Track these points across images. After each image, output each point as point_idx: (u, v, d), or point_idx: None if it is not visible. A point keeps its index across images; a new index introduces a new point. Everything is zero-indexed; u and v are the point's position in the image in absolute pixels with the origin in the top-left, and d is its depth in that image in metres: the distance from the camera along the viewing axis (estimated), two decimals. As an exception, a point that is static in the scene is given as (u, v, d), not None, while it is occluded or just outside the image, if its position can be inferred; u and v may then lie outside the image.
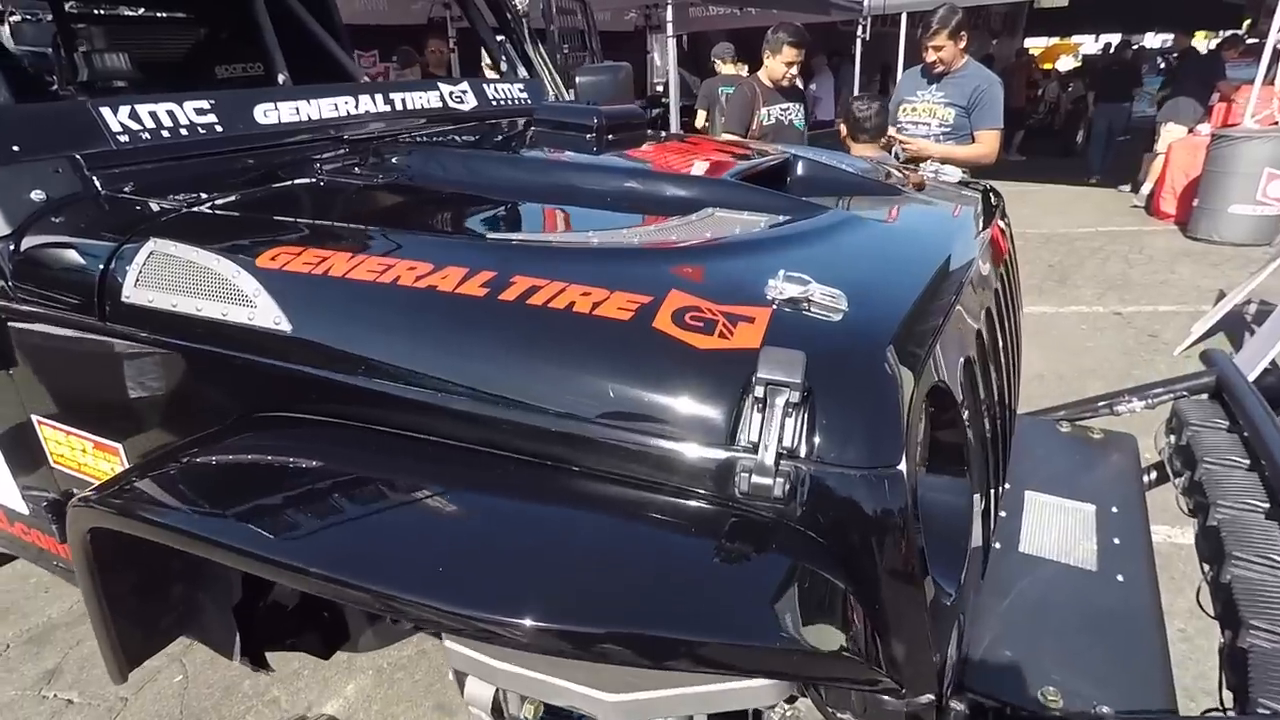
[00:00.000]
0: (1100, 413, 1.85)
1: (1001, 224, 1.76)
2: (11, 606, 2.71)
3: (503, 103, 2.27)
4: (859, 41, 7.02)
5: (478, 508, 0.86)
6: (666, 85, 6.81)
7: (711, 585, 0.75)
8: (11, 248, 1.27)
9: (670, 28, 5.66)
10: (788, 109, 4.00)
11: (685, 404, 0.82)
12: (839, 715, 1.05)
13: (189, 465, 0.94)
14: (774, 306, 0.88)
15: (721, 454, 0.80)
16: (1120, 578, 1.29)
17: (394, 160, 1.54)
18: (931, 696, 0.83)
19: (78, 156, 1.37)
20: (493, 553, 0.82)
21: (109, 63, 2.33)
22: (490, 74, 3.10)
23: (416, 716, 2.18)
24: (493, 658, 1.01)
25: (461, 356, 0.92)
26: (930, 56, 3.54)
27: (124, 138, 1.45)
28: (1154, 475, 1.71)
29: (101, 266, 1.17)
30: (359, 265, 1.02)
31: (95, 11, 2.83)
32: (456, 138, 1.86)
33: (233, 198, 1.36)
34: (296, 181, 1.47)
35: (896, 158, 3.57)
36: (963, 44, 3.51)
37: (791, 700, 1.18)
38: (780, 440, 0.76)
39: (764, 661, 0.74)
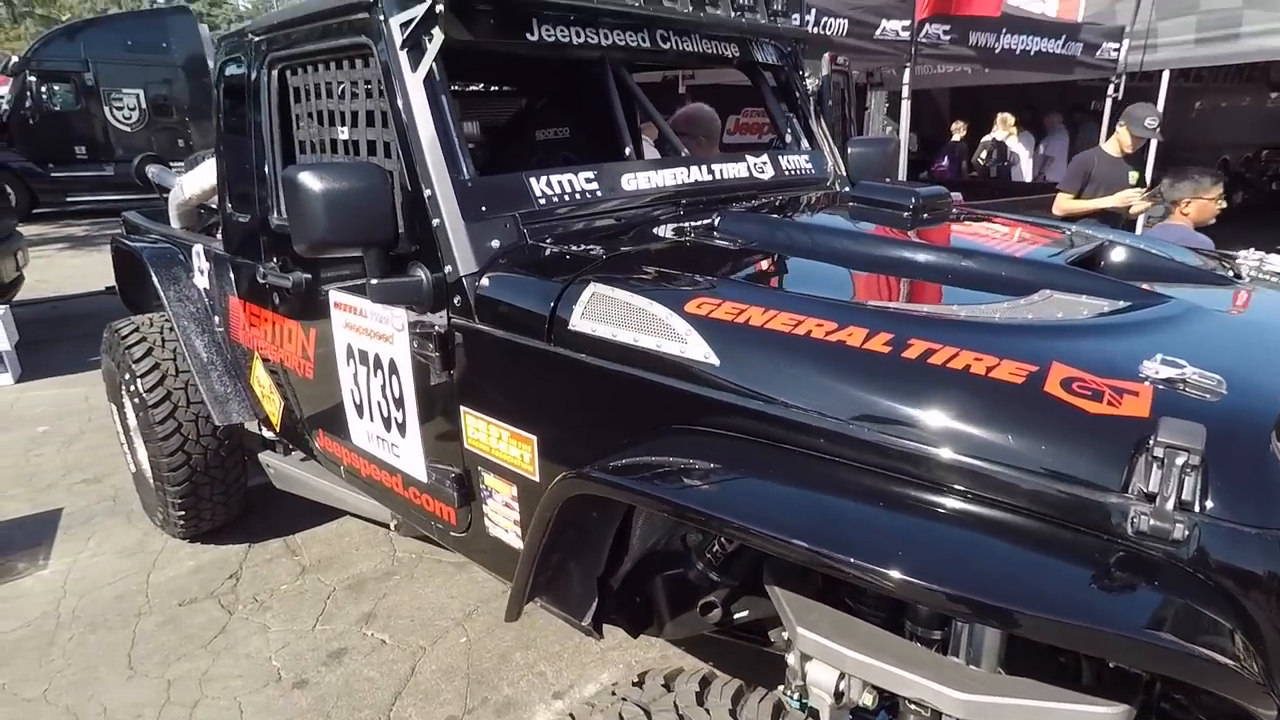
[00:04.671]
0: None
1: None
2: (335, 557, 3.35)
3: (793, 173, 2.57)
4: (1109, 100, 6.69)
5: (879, 505, 1.09)
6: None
7: (1101, 587, 0.91)
8: (478, 282, 1.72)
9: (906, 89, 5.78)
10: None
11: (1077, 455, 1.01)
12: None
13: (650, 459, 1.26)
14: (1151, 385, 1.05)
15: (1113, 499, 0.98)
16: None
17: (741, 227, 1.86)
18: None
19: (516, 215, 1.82)
20: (880, 527, 1.05)
21: (466, 130, 2.93)
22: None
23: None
24: (844, 646, 1.22)
25: (870, 398, 1.16)
26: None
27: (542, 200, 1.89)
28: None
29: (552, 302, 1.57)
30: (772, 318, 1.31)
31: (463, 89, 3.53)
32: (781, 210, 2.17)
33: (629, 249, 1.74)
34: (670, 239, 1.84)
35: None
36: None
37: None
38: (1179, 494, 0.92)
39: (1153, 658, 0.89)
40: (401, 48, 1.82)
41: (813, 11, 5.01)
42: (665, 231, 1.94)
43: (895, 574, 0.94)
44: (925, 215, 1.86)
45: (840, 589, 1.37)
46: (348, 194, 1.64)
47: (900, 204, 1.88)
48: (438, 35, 1.80)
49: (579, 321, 1.52)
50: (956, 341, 1.17)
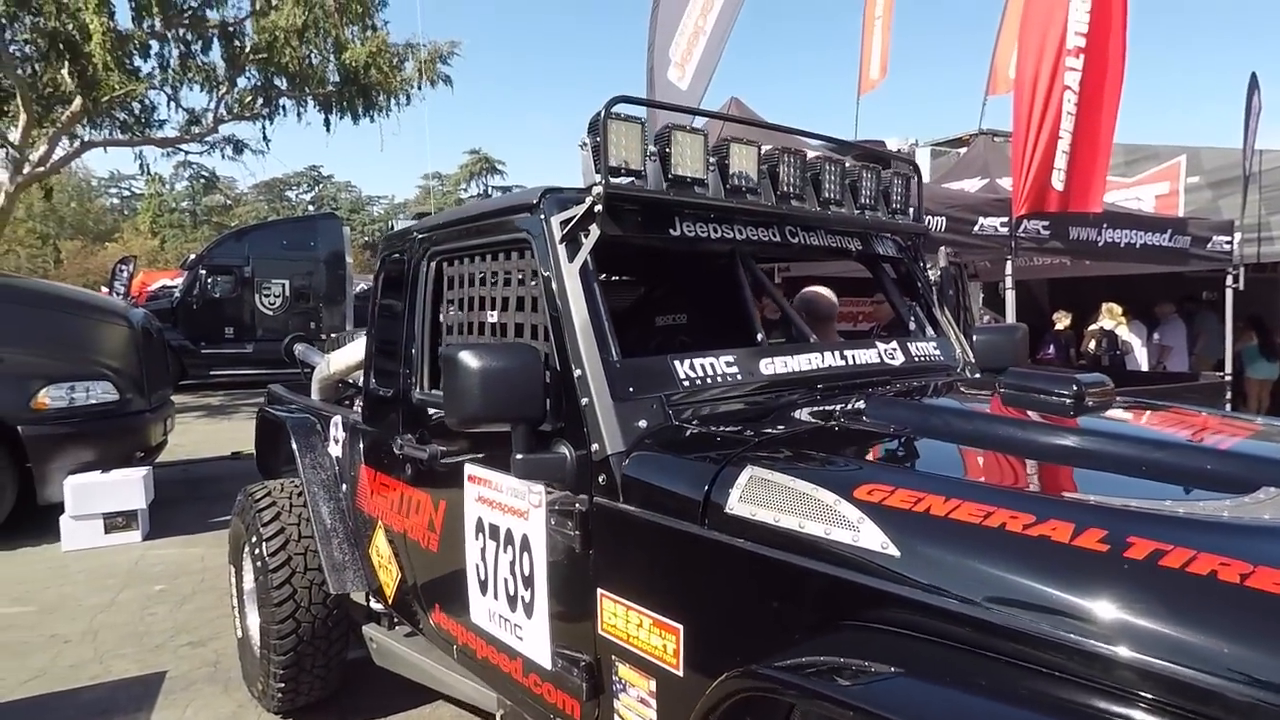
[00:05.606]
0: None
1: None
2: (427, 749, 3.14)
3: (923, 359, 2.54)
4: (1230, 291, 6.53)
5: None
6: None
7: None
8: (625, 462, 1.72)
9: (1009, 279, 5.82)
10: None
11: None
12: None
13: (825, 659, 1.14)
14: None
15: None
16: None
17: (892, 411, 1.82)
18: None
19: (662, 396, 1.85)
20: None
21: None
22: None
23: None
24: None
25: (1091, 604, 1.02)
26: None
27: (686, 382, 1.92)
28: None
29: (706, 485, 1.53)
30: (956, 508, 1.21)
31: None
32: (927, 395, 2.12)
33: (777, 431, 1.70)
34: (816, 422, 1.81)
35: None
36: None
37: None
38: None
39: None
40: (560, 242, 1.99)
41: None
42: (806, 415, 1.91)
43: None
44: (1089, 403, 1.77)
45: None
46: (503, 372, 1.71)
47: (1060, 391, 1.79)
48: (594, 231, 1.96)
49: (736, 505, 1.46)
50: (1187, 542, 1.04)
